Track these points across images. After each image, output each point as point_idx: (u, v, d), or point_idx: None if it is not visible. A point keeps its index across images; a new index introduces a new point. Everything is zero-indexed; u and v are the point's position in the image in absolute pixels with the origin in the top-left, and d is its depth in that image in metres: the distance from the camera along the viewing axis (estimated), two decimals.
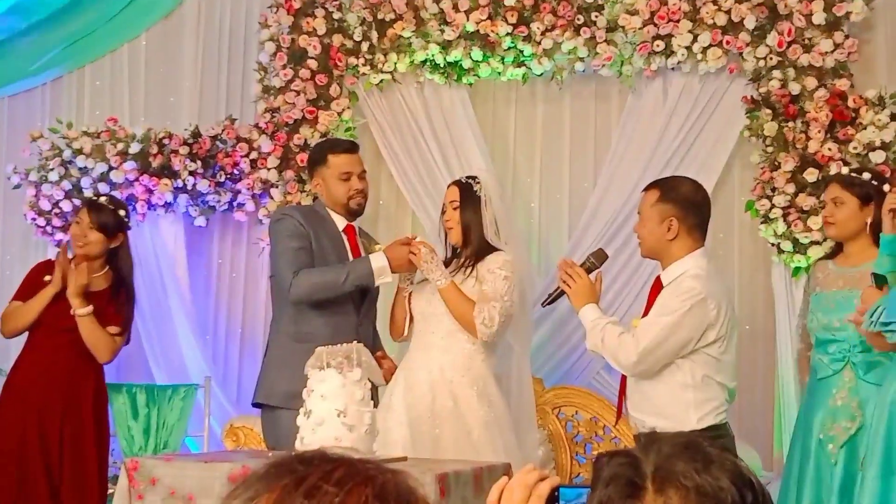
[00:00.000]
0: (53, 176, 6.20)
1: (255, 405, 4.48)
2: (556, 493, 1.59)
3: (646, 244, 3.98)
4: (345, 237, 4.49)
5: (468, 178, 4.39)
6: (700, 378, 3.80)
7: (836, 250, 4.37)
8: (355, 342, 3.61)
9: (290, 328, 4.35)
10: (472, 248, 4.29)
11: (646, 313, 3.94)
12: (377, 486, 1.18)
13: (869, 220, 4.18)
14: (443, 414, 4.11)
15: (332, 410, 3.40)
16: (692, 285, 3.79)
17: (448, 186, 4.48)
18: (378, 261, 4.29)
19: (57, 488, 4.88)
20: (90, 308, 4.90)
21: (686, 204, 3.91)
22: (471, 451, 4.00)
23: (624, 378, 4.01)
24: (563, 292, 4.02)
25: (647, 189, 4.03)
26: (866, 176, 4.20)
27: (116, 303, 5.06)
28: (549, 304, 4.21)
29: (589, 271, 4.02)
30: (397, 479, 1.22)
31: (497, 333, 4.16)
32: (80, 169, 6.21)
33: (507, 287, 4.17)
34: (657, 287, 3.96)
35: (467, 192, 4.32)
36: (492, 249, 4.25)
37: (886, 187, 4.09)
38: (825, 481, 4.13)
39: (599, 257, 4.09)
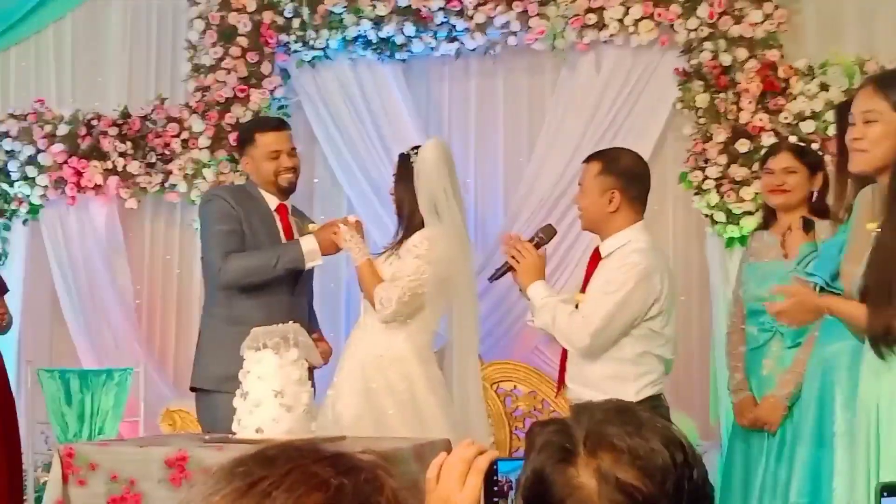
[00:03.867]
0: None
1: (192, 389, 4.44)
2: (495, 467, 1.59)
3: (587, 216, 3.96)
4: (277, 216, 4.45)
5: (413, 148, 4.30)
6: (639, 353, 3.82)
7: (769, 221, 4.41)
8: (291, 322, 3.59)
9: (223, 311, 4.31)
10: (403, 223, 4.24)
11: (584, 285, 3.94)
12: (331, 490, 1.15)
13: (815, 189, 4.26)
14: (364, 393, 4.09)
15: (270, 391, 3.39)
16: (636, 260, 3.80)
17: None
18: (308, 244, 4.27)
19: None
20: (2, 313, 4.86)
21: (628, 176, 3.91)
22: (389, 431, 3.98)
23: (565, 351, 4.00)
24: (510, 268, 3.99)
25: (588, 160, 4.01)
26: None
27: None
28: (495, 279, 4.15)
29: (537, 247, 3.98)
30: (357, 481, 1.17)
31: (395, 313, 4.08)
32: (6, 152, 6.12)
33: (416, 266, 4.09)
34: (595, 259, 3.96)
35: (402, 165, 4.26)
36: (422, 227, 4.17)
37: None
38: (755, 450, 4.21)
39: (548, 233, 4.06)
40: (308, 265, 4.30)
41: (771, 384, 4.16)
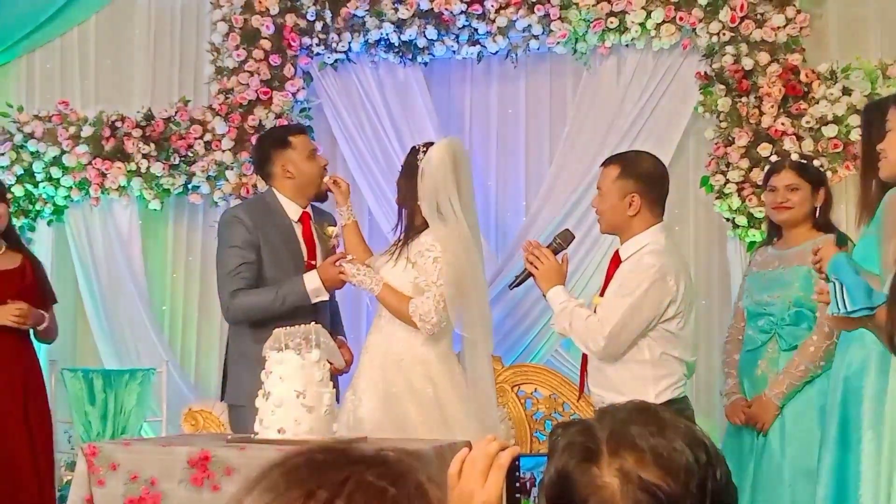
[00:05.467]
0: (4, 160, 6.15)
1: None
2: (517, 463, 1.59)
3: (606, 220, 3.96)
4: (298, 227, 4.42)
5: (425, 144, 4.20)
6: (658, 355, 3.82)
7: (773, 237, 4.47)
8: (313, 323, 3.59)
9: (248, 329, 4.32)
10: (403, 221, 4.15)
11: (604, 288, 3.95)
12: (388, 500, 1.17)
13: (818, 205, 4.34)
14: (385, 397, 4.05)
15: (292, 392, 3.39)
16: (650, 262, 3.80)
17: None
18: (312, 282, 4.25)
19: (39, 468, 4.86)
20: (44, 322, 4.85)
21: (647, 179, 3.91)
22: (411, 434, 3.95)
23: (585, 355, 4.01)
24: (530, 274, 3.98)
25: (606, 164, 4.01)
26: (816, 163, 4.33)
27: (39, 277, 5.01)
28: (515, 286, 4.14)
29: (555, 252, 3.98)
30: (409, 490, 1.19)
31: (439, 324, 4.02)
32: (31, 153, 6.15)
33: (437, 270, 4.00)
34: (616, 262, 3.97)
35: (408, 161, 4.17)
36: (427, 227, 4.07)
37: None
38: (746, 449, 4.26)
39: (566, 238, 4.05)
40: (314, 301, 4.27)
41: (763, 384, 4.24)
